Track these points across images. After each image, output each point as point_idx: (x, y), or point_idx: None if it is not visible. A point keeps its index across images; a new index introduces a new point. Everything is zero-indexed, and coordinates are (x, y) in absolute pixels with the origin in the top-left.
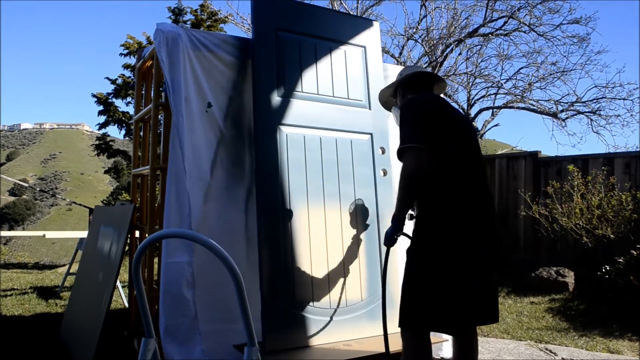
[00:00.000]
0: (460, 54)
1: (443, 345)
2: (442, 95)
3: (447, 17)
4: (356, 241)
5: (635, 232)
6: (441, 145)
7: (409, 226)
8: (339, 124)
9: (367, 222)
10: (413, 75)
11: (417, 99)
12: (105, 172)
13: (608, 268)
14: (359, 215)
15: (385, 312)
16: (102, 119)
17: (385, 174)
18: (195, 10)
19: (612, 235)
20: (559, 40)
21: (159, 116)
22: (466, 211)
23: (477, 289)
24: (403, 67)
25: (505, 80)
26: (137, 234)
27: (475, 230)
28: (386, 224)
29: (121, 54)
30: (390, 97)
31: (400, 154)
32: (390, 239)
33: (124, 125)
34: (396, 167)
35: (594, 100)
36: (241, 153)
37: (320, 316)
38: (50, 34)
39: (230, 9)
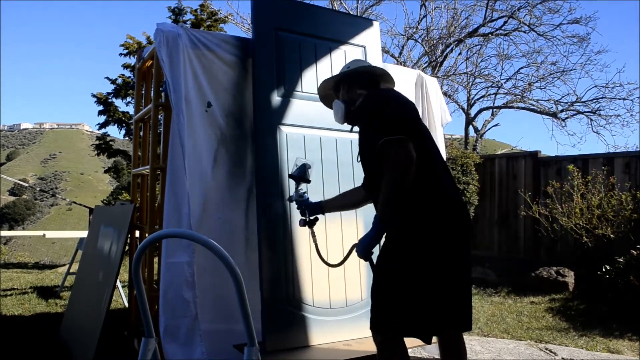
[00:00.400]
0: (460, 53)
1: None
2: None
3: (447, 17)
4: (356, 240)
5: (635, 232)
6: (417, 142)
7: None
8: (338, 124)
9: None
10: (365, 70)
11: (388, 92)
12: (105, 172)
13: (608, 268)
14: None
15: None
16: (102, 118)
17: None
18: (195, 10)
19: (612, 235)
20: (559, 40)
21: (159, 116)
22: (445, 209)
23: (458, 290)
24: (351, 60)
25: (505, 80)
26: (137, 233)
27: (455, 228)
28: None
29: (121, 54)
30: (330, 90)
31: (386, 148)
32: (367, 249)
33: (124, 125)
34: None
35: (594, 100)
36: (242, 153)
37: (320, 316)
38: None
39: (230, 8)
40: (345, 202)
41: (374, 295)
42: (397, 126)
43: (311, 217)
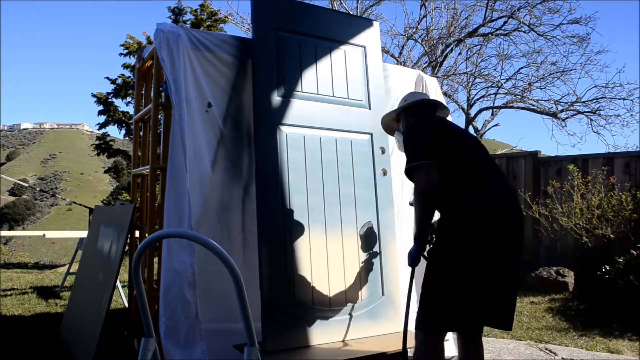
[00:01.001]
0: (460, 53)
1: (444, 344)
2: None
3: (447, 17)
4: (356, 241)
5: (635, 231)
6: (449, 157)
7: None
8: (338, 124)
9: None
10: (417, 103)
11: (419, 121)
12: (105, 172)
13: (608, 268)
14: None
15: (405, 345)
16: (102, 118)
17: (385, 173)
18: (195, 10)
19: (612, 235)
20: (558, 40)
21: (159, 116)
22: (470, 222)
23: (501, 287)
24: (409, 93)
25: (505, 80)
26: (137, 233)
27: (495, 226)
28: (386, 223)
29: (121, 54)
30: (393, 121)
31: (410, 174)
32: (414, 259)
33: (124, 125)
34: (395, 167)
35: (594, 100)
36: (240, 153)
37: (320, 316)
38: (50, 34)
39: (230, 8)
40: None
41: (421, 298)
42: (419, 153)
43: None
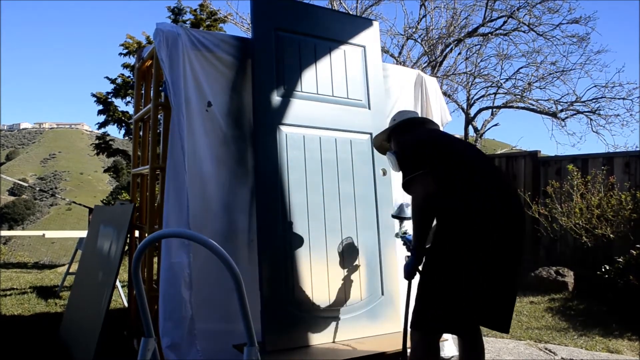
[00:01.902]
0: (459, 53)
1: (444, 344)
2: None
3: (447, 17)
4: (356, 241)
5: (634, 231)
6: (440, 167)
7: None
8: (338, 124)
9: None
10: (405, 122)
11: (408, 138)
12: (105, 171)
13: (608, 268)
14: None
15: (405, 344)
16: (102, 118)
17: (384, 173)
18: (195, 10)
19: (611, 235)
20: (558, 39)
21: (159, 116)
22: (471, 214)
23: (488, 288)
24: (397, 112)
25: (504, 80)
26: (136, 233)
27: (484, 228)
28: (385, 224)
29: (121, 54)
30: (384, 141)
31: (407, 187)
32: (410, 272)
33: (123, 124)
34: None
35: (594, 100)
36: (244, 152)
37: (319, 316)
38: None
39: (229, 8)
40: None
41: (416, 298)
42: (413, 166)
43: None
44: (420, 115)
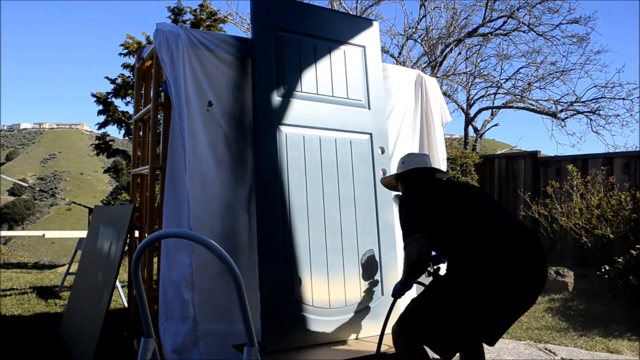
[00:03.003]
0: (459, 53)
1: None
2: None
3: (447, 17)
4: (355, 241)
5: (634, 231)
6: (438, 223)
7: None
8: (338, 124)
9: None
10: (411, 170)
11: (409, 191)
12: (105, 171)
13: (607, 268)
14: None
15: (380, 347)
16: (102, 118)
17: (384, 173)
18: (195, 10)
19: (611, 235)
20: (558, 40)
21: (159, 116)
22: (485, 255)
23: (485, 322)
24: (406, 155)
25: (504, 80)
26: (136, 233)
27: (492, 276)
28: (385, 223)
29: (121, 54)
30: (393, 180)
31: (404, 240)
32: (396, 295)
33: (123, 124)
34: (395, 167)
35: (594, 100)
36: (244, 152)
37: (319, 316)
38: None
39: (229, 8)
40: None
41: (412, 303)
42: (412, 227)
43: (435, 267)
44: (425, 165)
